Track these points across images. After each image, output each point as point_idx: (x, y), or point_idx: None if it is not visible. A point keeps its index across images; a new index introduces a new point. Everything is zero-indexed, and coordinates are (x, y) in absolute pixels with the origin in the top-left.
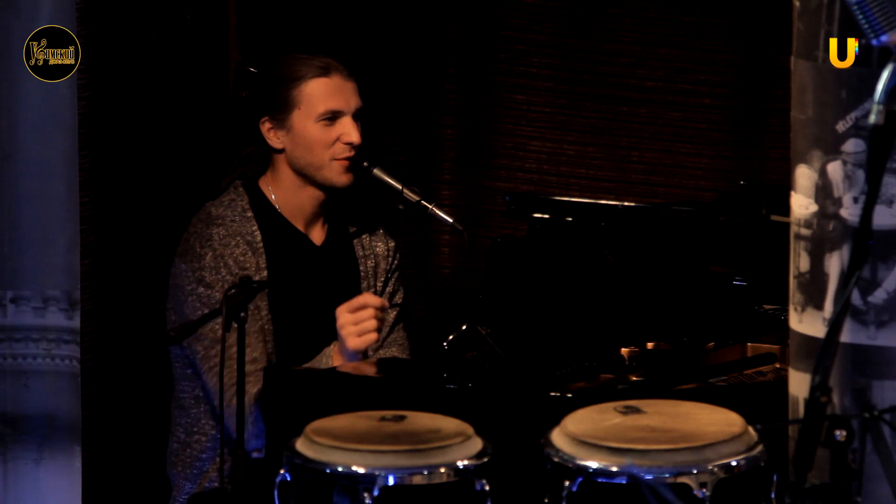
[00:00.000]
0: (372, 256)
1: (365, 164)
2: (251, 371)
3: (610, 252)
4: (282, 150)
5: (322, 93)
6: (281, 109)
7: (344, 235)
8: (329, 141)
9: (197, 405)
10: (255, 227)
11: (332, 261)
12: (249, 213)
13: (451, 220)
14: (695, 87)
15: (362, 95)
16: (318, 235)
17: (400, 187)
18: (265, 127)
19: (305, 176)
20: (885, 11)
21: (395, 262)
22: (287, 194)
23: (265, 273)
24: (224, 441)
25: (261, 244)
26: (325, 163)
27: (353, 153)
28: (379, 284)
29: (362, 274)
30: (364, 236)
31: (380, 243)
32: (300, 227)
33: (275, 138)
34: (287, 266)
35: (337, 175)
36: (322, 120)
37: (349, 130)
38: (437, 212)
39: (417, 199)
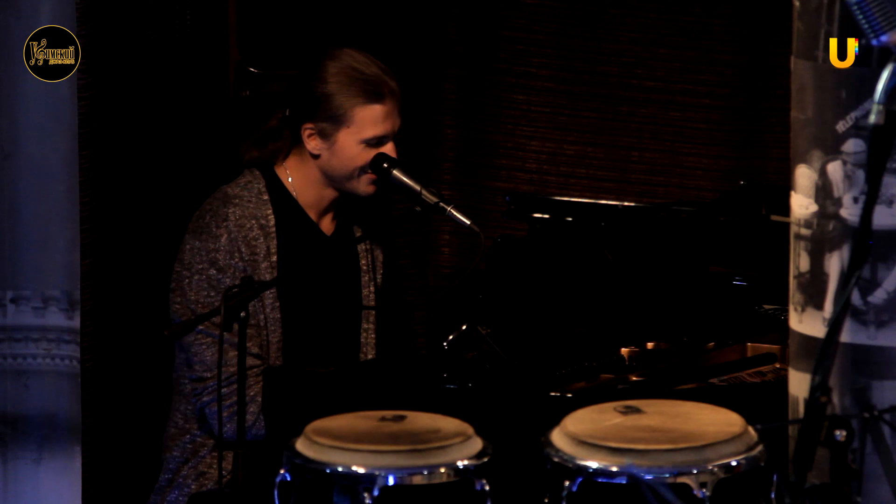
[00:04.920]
0: (371, 250)
1: (385, 164)
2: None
3: (610, 252)
4: (317, 156)
5: (373, 120)
6: (328, 122)
7: (351, 228)
8: (367, 160)
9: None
10: (269, 211)
11: (340, 253)
12: (265, 196)
13: (468, 223)
14: (695, 87)
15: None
16: (328, 226)
17: (419, 188)
18: (306, 132)
19: (332, 180)
20: (885, 11)
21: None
22: (307, 187)
23: (275, 258)
24: (219, 438)
25: (273, 228)
26: (356, 176)
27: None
28: (379, 277)
29: (363, 268)
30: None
31: (380, 237)
32: (313, 216)
33: (314, 145)
34: (298, 253)
35: (364, 186)
36: (367, 143)
37: (389, 153)
38: (456, 213)
39: (436, 200)
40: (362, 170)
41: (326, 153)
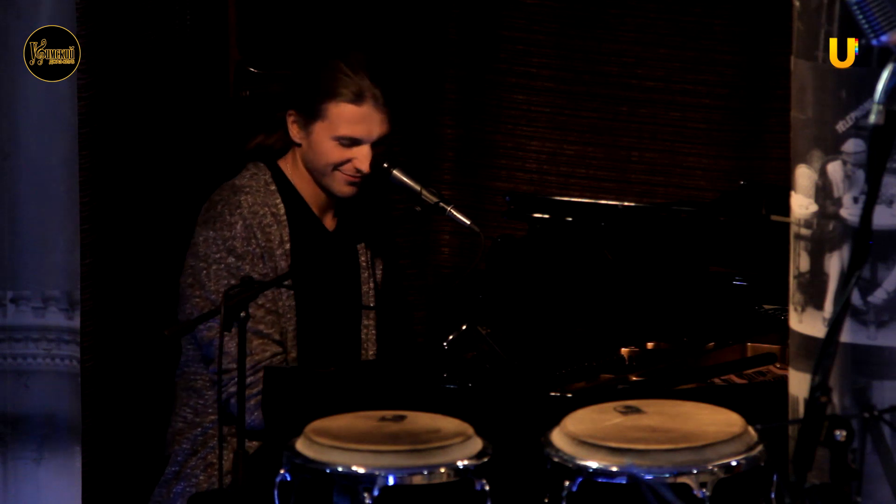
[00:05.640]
0: (371, 249)
1: (385, 164)
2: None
3: (610, 252)
4: (298, 145)
5: (348, 119)
6: (306, 112)
7: (351, 227)
8: (339, 160)
9: (212, 388)
10: (278, 200)
11: (341, 249)
12: (273, 187)
13: (468, 223)
14: (695, 87)
15: (391, 120)
16: (330, 223)
17: (419, 189)
18: (290, 119)
19: (312, 175)
20: (885, 11)
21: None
22: (303, 181)
23: (288, 246)
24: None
25: (284, 217)
26: (329, 173)
27: (359, 176)
28: (378, 276)
29: (363, 265)
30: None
31: (379, 237)
32: (316, 211)
33: (295, 133)
34: (307, 244)
35: (339, 185)
36: (339, 141)
37: (362, 158)
38: (455, 213)
39: (436, 200)
40: (335, 167)
41: (305, 142)
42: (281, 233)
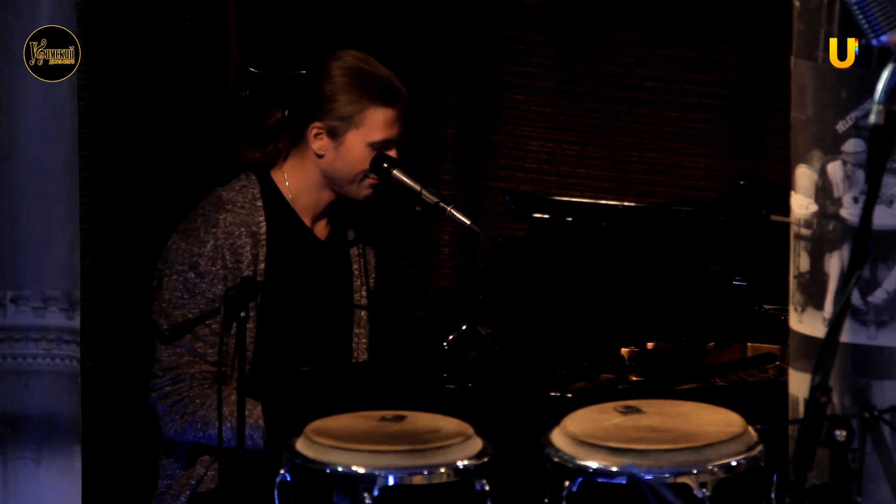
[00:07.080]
0: (363, 254)
1: (385, 164)
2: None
3: (610, 252)
4: (321, 156)
5: (384, 123)
6: (339, 121)
7: (344, 232)
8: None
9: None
10: (261, 218)
11: (334, 257)
12: (259, 203)
13: (468, 223)
14: (695, 87)
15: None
16: (322, 231)
17: (419, 188)
18: (312, 131)
19: (331, 182)
20: (885, 11)
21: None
22: (304, 190)
23: (262, 266)
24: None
25: (264, 235)
26: (358, 181)
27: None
28: (372, 281)
29: (355, 272)
30: (360, 234)
31: (374, 239)
32: (307, 221)
33: (320, 145)
34: (289, 259)
35: (363, 190)
36: (373, 146)
37: None
38: (455, 213)
39: (436, 200)
40: (365, 174)
41: (332, 153)
42: (257, 252)
